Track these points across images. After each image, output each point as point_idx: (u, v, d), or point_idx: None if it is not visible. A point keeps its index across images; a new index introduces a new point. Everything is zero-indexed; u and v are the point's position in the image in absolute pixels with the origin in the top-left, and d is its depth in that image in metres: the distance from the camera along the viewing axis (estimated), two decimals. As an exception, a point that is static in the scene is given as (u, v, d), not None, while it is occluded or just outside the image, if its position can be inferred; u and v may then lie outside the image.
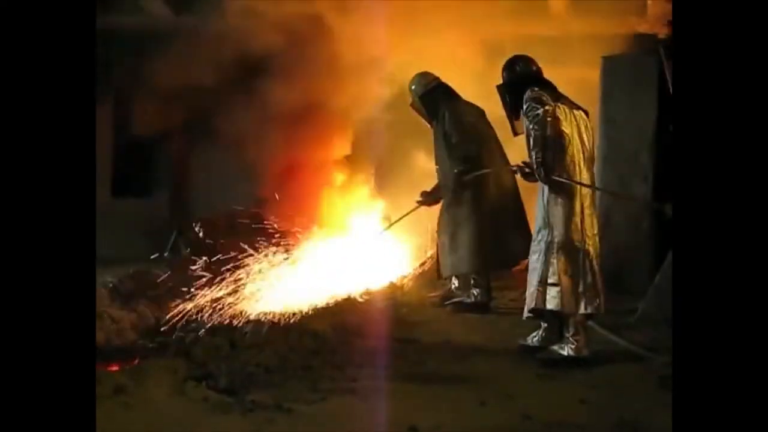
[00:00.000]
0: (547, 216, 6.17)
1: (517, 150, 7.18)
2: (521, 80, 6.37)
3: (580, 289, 6.10)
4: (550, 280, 6.11)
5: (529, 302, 6.23)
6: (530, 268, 6.27)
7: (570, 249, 6.11)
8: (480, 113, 8.07)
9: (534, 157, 6.09)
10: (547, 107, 6.07)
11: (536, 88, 6.20)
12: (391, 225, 8.64)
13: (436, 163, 8.13)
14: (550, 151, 6.06)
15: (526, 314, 6.33)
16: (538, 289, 6.15)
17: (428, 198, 8.15)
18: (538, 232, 6.23)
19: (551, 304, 6.11)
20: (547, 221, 6.17)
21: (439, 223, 8.14)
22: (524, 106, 6.15)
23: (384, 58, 9.11)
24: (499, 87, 6.54)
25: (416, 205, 8.21)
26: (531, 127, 6.09)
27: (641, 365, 6.13)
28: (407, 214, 8.33)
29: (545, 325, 6.35)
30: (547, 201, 6.18)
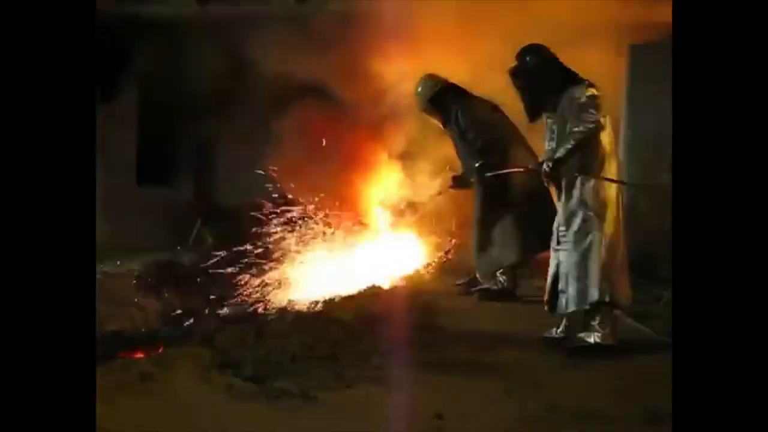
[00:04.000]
0: (579, 209, 6.12)
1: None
2: (538, 68, 6.29)
3: (613, 279, 6.08)
4: (591, 273, 6.07)
5: (582, 298, 6.14)
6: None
7: (605, 241, 6.06)
8: (493, 107, 8.02)
9: (561, 150, 6.03)
10: (602, 118, 6.01)
11: (592, 88, 6.05)
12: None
13: (462, 167, 8.10)
14: (578, 154, 6.03)
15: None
16: (585, 284, 6.09)
17: (459, 183, 8.14)
18: (570, 225, 6.17)
19: (600, 296, 6.06)
20: (580, 215, 6.12)
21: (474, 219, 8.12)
22: (578, 105, 6.00)
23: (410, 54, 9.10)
24: (512, 74, 6.40)
25: (448, 188, 8.28)
26: (579, 129, 5.98)
27: (668, 354, 6.06)
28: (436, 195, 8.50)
29: (569, 315, 6.30)
30: (580, 194, 6.12)
